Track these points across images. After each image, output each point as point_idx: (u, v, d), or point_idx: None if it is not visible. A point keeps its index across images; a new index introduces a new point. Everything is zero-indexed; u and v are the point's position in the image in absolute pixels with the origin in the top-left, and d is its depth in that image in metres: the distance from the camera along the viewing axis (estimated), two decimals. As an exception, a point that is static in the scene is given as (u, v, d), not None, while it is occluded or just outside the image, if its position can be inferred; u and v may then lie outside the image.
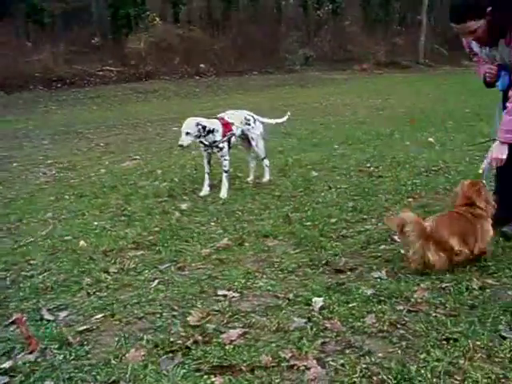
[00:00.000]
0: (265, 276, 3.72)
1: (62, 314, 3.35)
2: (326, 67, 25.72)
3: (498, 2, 3.71)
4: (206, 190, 6.03)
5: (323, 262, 3.90)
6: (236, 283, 3.59)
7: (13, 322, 3.25)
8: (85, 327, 3.12)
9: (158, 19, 22.34)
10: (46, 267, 4.15)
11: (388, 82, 22.11)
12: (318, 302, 3.22)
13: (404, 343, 2.81)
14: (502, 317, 3.01)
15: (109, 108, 15.79)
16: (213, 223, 4.98)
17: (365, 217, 4.95)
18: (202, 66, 22.08)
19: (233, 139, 6.08)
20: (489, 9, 3.70)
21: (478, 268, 3.67)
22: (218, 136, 5.84)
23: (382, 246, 4.19)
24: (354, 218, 4.91)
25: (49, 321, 3.26)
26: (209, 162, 6.07)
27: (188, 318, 3.10)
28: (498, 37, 3.87)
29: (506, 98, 4.07)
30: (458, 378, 2.48)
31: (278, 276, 3.71)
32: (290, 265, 3.87)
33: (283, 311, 3.18)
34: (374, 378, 2.51)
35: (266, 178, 6.42)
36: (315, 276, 3.68)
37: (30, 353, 2.87)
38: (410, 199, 5.45)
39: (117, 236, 4.76)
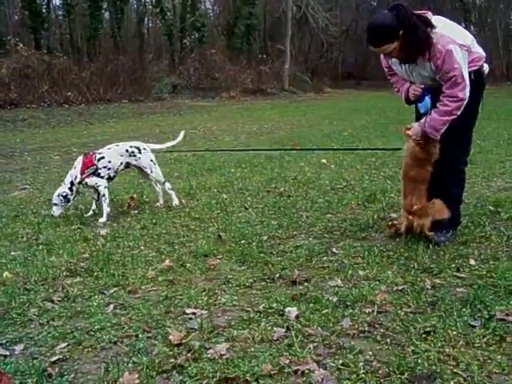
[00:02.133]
0: (224, 292, 3.71)
1: (19, 348, 3.12)
2: (194, 95, 25.94)
3: (407, 27, 4.03)
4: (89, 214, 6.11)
5: (276, 275, 3.96)
6: (199, 301, 3.55)
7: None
8: (56, 358, 2.93)
9: (21, 45, 21.42)
10: (-25, 302, 3.85)
11: (258, 108, 22.69)
12: (292, 311, 3.29)
13: (388, 340, 2.99)
14: (464, 309, 3.30)
15: (-25, 137, 14.88)
16: (142, 247, 4.87)
17: (294, 233, 5.08)
18: (68, 94, 21.41)
19: (105, 171, 6.07)
20: (401, 32, 4.02)
21: (422, 270, 3.96)
22: (78, 175, 5.99)
23: (325, 258, 4.35)
24: (284, 235, 5.02)
25: (5, 356, 3.03)
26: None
27: (170, 338, 3.01)
28: (415, 56, 4.19)
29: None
30: (453, 363, 2.72)
31: (238, 291, 3.73)
32: (244, 280, 3.89)
33: (260, 323, 3.19)
34: (380, 371, 2.65)
35: (175, 201, 6.38)
36: (274, 289, 3.73)
37: (4, 389, 2.66)
38: (329, 215, 5.63)
39: (43, 265, 4.50)
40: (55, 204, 5.94)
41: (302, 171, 8.21)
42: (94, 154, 6.12)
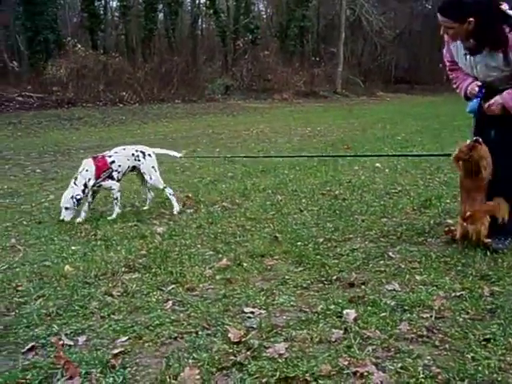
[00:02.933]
0: (281, 293, 3.73)
1: (82, 339, 3.21)
2: (247, 96, 26.07)
3: (483, 17, 3.97)
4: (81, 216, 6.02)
5: (333, 277, 3.96)
6: (257, 301, 3.58)
7: (30, 349, 3.09)
8: (118, 350, 2.99)
9: (79, 46, 21.94)
10: (38, 293, 3.95)
11: (310, 111, 22.69)
12: (349, 313, 3.29)
13: (447, 346, 2.96)
14: (524, 318, 3.22)
15: (34, 134, 15.29)
16: (199, 245, 4.93)
17: (350, 236, 5.05)
18: (122, 93, 21.81)
19: (116, 174, 6.13)
20: (471, 19, 3.95)
21: (480, 277, 3.89)
22: (92, 178, 6.00)
23: (382, 262, 4.32)
24: (340, 238, 4.99)
25: (70, 346, 3.12)
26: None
27: (229, 335, 3.04)
28: (485, 46, 4.12)
29: (479, 123, 4.50)
30: (513, 373, 2.66)
31: (295, 292, 3.74)
32: (301, 282, 3.91)
33: (318, 324, 3.20)
34: (439, 377, 2.63)
35: (176, 208, 6.24)
36: (331, 291, 3.73)
37: (70, 378, 2.73)
38: (385, 219, 5.59)
39: (102, 260, 4.60)
40: (67, 208, 5.85)
41: (357, 175, 8.16)
42: (104, 157, 6.13)
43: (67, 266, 4.46)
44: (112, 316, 3.48)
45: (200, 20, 39.01)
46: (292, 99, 26.75)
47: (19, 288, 4.09)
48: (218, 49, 32.26)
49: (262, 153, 11.12)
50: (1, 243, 5.33)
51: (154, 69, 23.26)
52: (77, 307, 3.64)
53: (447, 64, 4.71)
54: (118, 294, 3.86)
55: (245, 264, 4.34)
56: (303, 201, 6.59)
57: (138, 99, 21.64)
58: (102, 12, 29.67)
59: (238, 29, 31.58)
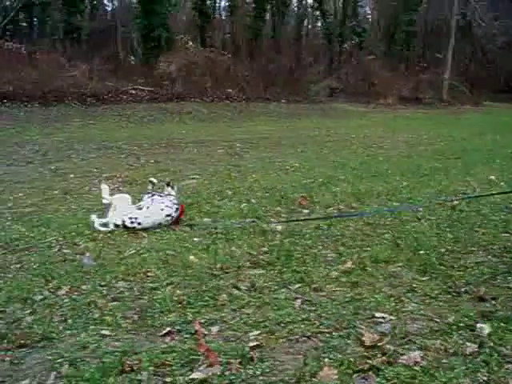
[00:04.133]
0: (410, 300, 3.71)
1: (214, 329, 3.31)
2: (350, 99, 25.89)
3: None
4: None
5: (462, 289, 3.89)
6: (387, 306, 3.57)
7: (167, 334, 3.22)
8: (253, 344, 3.06)
9: (190, 43, 22.53)
10: (167, 281, 4.12)
11: (414, 117, 22.29)
12: (483, 328, 3.23)
13: None
14: None
15: (146, 126, 15.86)
16: (320, 247, 4.95)
17: (472, 249, 4.94)
18: (228, 90, 22.19)
19: None
20: None
21: None
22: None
23: (510, 278, 4.19)
24: (463, 250, 4.89)
25: (204, 335, 3.22)
26: None
27: (363, 339, 3.06)
28: None
29: None
30: None
31: (424, 301, 3.71)
32: (429, 291, 3.87)
33: (451, 335, 3.17)
34: None
35: None
36: (461, 303, 3.68)
37: (211, 365, 2.83)
38: (507, 234, 5.43)
39: (225, 253, 4.72)
40: None
41: (470, 186, 7.94)
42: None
43: (192, 257, 4.62)
44: (242, 310, 3.58)
45: (305, 21, 39.18)
46: (396, 104, 26.34)
47: (149, 274, 4.28)
48: (323, 51, 32.16)
49: (369, 158, 11.02)
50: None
51: (261, 68, 23.50)
52: (207, 298, 3.77)
53: None
54: (246, 288, 3.96)
55: (368, 268, 4.34)
56: (419, 209, 6.47)
57: (244, 97, 21.96)
58: (211, 11, 30.28)
59: (344, 31, 31.40)
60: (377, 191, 7.41)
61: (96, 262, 4.58)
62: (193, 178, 8.65)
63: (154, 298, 3.80)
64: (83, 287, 4.00)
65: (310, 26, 40.74)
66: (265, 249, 4.86)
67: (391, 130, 16.83)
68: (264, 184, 8.02)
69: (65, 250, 4.92)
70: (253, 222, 5.78)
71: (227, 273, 4.28)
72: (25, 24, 28.68)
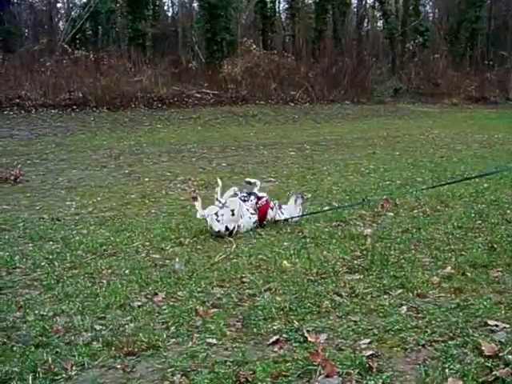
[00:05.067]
0: (520, 309, 3.54)
1: (322, 337, 3.22)
2: (415, 99, 25.46)
3: None
4: None
5: None
6: (498, 314, 3.43)
7: (275, 342, 3.16)
8: (369, 353, 2.97)
9: (254, 46, 22.58)
10: (265, 287, 4.06)
11: (483, 117, 21.68)
12: None
13: None
14: None
15: (214, 129, 15.96)
16: (413, 251, 4.82)
17: None
18: (292, 92, 22.12)
19: None
20: None
21: None
22: None
23: None
24: None
25: (312, 343, 3.14)
26: None
27: (482, 348, 2.92)
28: None
29: None
30: None
31: (539, 311, 3.52)
32: (540, 298, 3.68)
33: None
34: None
35: None
36: None
37: (328, 376, 2.75)
38: None
39: (318, 258, 4.64)
40: None
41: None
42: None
43: (285, 262, 4.55)
44: (349, 316, 3.48)
45: (366, 21, 38.78)
46: (462, 104, 25.71)
47: (244, 279, 4.24)
48: (385, 51, 31.71)
49: (444, 159, 10.76)
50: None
51: (324, 69, 23.35)
52: (309, 304, 3.69)
53: None
54: (346, 294, 3.86)
55: (469, 274, 4.17)
56: (508, 211, 6.25)
57: (309, 99, 21.86)
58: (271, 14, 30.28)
59: (406, 31, 30.88)
60: (459, 193, 7.20)
61: (187, 267, 4.57)
62: (268, 181, 8.62)
63: (255, 304, 3.74)
64: (179, 294, 3.97)
65: (369, 27, 40.29)
66: (357, 253, 4.77)
67: (462, 131, 16.42)
68: (343, 187, 7.93)
69: (153, 255, 4.94)
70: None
71: (324, 278, 4.19)
72: (90, 32, 29.38)
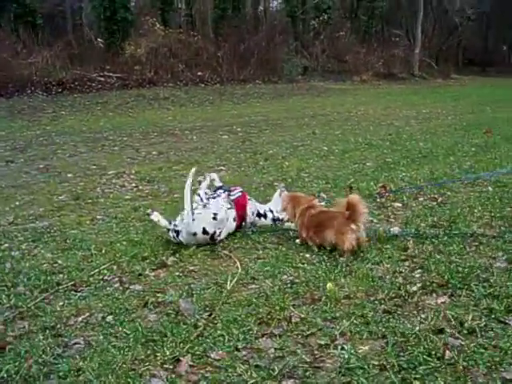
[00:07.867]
0: None
1: None
2: (325, 77, 24.81)
3: None
4: None
5: None
6: None
7: None
8: None
9: (158, 24, 20.87)
10: (330, 328, 2.87)
11: (398, 93, 21.40)
12: None
13: None
14: None
15: (126, 114, 14.33)
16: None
17: None
18: (200, 73, 20.76)
19: None
20: None
21: None
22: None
23: None
24: None
25: None
26: None
27: None
28: None
29: None
30: None
31: None
32: None
33: None
34: None
35: None
36: None
37: None
38: None
39: (365, 274, 3.48)
40: None
41: None
42: None
43: (329, 284, 3.34)
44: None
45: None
46: (371, 81, 25.38)
47: (293, 318, 2.99)
48: (288, 29, 30.84)
49: (393, 137, 9.91)
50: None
51: (232, 49, 22.07)
52: (417, 354, 2.53)
53: None
54: (454, 329, 2.73)
55: None
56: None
57: (219, 79, 20.58)
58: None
59: (307, 9, 30.13)
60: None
61: (194, 304, 3.21)
62: (219, 170, 7.32)
63: (341, 365, 2.51)
64: (212, 356, 2.65)
65: (262, 7, 39.26)
66: (406, 262, 3.65)
67: (387, 107, 15.79)
68: (311, 172, 6.91)
69: (132, 287, 3.51)
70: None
71: (400, 306, 3.05)
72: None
